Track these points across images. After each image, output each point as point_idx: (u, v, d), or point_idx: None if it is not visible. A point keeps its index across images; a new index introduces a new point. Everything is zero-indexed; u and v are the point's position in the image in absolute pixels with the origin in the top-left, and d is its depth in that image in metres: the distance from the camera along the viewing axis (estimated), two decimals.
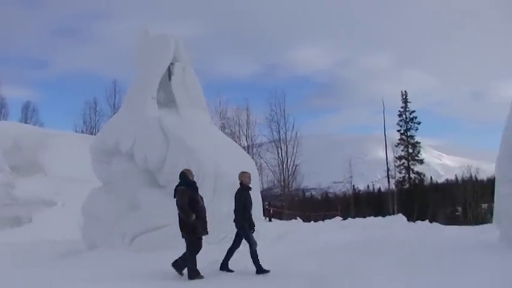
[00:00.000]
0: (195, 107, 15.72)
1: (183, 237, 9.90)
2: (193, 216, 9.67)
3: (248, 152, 35.37)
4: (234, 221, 10.76)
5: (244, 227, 10.46)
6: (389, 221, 23.79)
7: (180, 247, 10.05)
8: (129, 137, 14.50)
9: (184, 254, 9.87)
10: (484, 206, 51.70)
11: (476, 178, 61.96)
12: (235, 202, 10.73)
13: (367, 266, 10.56)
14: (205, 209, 10.23)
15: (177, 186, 10.13)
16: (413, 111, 56.25)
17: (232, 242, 10.76)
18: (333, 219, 26.80)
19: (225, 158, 14.40)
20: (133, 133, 14.50)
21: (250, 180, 10.97)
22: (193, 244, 9.75)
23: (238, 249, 10.71)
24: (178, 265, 9.88)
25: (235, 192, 10.83)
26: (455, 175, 74.20)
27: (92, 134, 45.23)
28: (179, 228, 9.91)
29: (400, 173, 54.74)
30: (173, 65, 15.74)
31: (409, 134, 55.46)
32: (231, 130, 41.23)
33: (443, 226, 27.45)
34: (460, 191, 57.64)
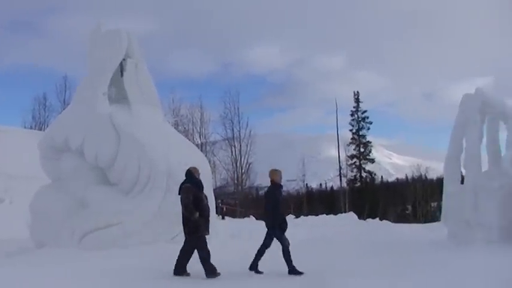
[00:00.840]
0: (148, 104, 15.49)
1: (185, 235, 9.78)
2: (197, 214, 9.54)
3: (201, 150, 35.16)
4: (265, 219, 10.60)
5: (275, 227, 10.20)
6: (341, 219, 24.13)
7: (130, 246, 9.89)
8: (79, 134, 14.17)
9: (200, 258, 9.62)
10: (433, 204, 53.00)
11: (425, 177, 63.42)
12: (266, 201, 10.56)
13: (319, 264, 10.65)
14: (209, 208, 10.04)
15: (182, 183, 10.03)
16: (365, 111, 57.44)
17: (262, 241, 10.47)
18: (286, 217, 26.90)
19: (177, 156, 14.25)
20: (83, 129, 14.18)
21: (281, 178, 10.72)
22: (200, 242, 9.61)
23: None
24: (208, 271, 9.55)
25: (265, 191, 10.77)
26: (406, 174, 75.71)
27: (41, 130, 44.15)
28: (182, 226, 9.82)
29: (352, 171, 55.68)
30: (126, 61, 15.44)
31: (360, 133, 56.55)
32: (184, 128, 40.93)
33: (393, 224, 28.02)
34: (410, 189, 58.92)
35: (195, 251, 9.79)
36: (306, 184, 78.56)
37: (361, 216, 36.64)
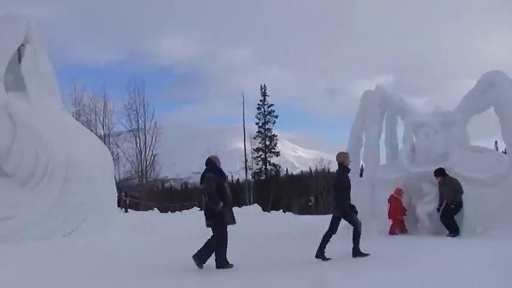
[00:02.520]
0: (47, 92, 14.82)
1: (208, 226, 9.11)
2: (221, 204, 8.91)
3: (105, 141, 34.18)
4: (335, 204, 10.11)
5: (346, 211, 9.83)
6: (246, 211, 24.32)
7: (24, 240, 9.38)
8: None
9: (207, 245, 8.99)
10: None
11: (328, 170, 65.21)
12: (336, 184, 10.05)
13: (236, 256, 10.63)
14: (231, 197, 9.43)
15: (204, 173, 9.39)
16: (272, 105, 58.17)
17: (328, 227, 9.91)
18: (190, 210, 26.82)
19: (77, 147, 13.75)
20: None
21: (349, 161, 10.37)
22: (222, 233, 9.00)
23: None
24: (200, 257, 8.90)
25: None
26: (310, 167, 77.55)
27: None
28: (205, 217, 9.16)
29: (257, 164, 56.27)
30: (24, 47, 14.70)
31: (266, 126, 57.26)
32: (86, 118, 39.46)
33: (296, 215, 28.65)
34: (313, 182, 60.41)
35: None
36: None
37: (266, 208, 37.17)
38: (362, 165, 15.90)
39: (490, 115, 13.73)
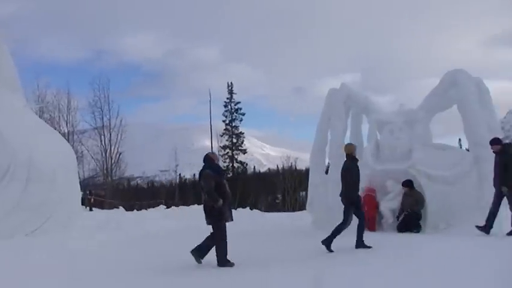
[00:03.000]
0: (8, 89, 14.48)
1: (209, 224, 8.96)
2: (221, 202, 8.78)
3: (69, 139, 33.68)
4: (344, 194, 10.25)
5: (355, 202, 10.11)
6: None
7: None
8: None
9: (207, 240, 8.92)
10: (302, 193, 55.00)
11: (295, 168, 65.53)
12: (346, 174, 10.19)
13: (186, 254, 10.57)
14: (230, 194, 9.23)
15: (202, 170, 9.18)
16: (239, 103, 58.08)
17: (343, 219, 10.10)
18: (156, 208, 26.63)
19: (40, 145, 13.47)
20: None
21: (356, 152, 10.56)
22: (222, 230, 8.88)
23: None
24: (199, 252, 8.86)
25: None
26: (277, 165, 77.70)
27: None
28: (205, 215, 8.98)
29: (224, 162, 56.08)
30: None
31: (233, 124, 57.10)
32: (50, 115, 38.73)
33: (263, 213, 28.68)
34: (280, 179, 60.62)
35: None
36: (180, 174, 78.23)
37: (233, 205, 37.08)
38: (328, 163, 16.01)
39: (454, 113, 13.98)
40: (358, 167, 10.41)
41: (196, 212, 22.35)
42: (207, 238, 9.03)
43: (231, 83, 58.53)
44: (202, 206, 9.13)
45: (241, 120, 57.88)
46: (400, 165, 13.39)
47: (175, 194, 55.53)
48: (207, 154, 9.56)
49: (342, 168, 10.52)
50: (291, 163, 65.67)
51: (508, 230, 10.73)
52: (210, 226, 8.91)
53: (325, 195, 14.18)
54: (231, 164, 56.36)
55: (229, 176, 55.60)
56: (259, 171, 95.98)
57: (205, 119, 49.35)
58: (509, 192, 10.89)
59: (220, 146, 55.54)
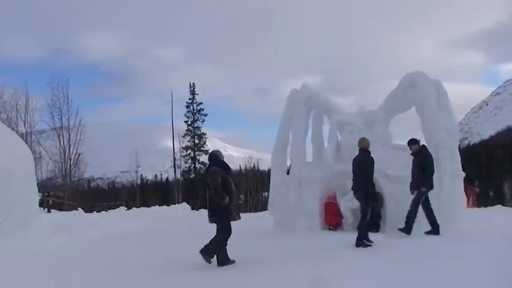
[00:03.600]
0: None
1: (213, 221, 8.92)
2: (227, 199, 8.76)
3: (26, 140, 32.95)
4: (359, 187, 10.66)
5: (372, 195, 10.67)
6: (174, 210, 24.10)
7: None
8: None
9: (213, 239, 8.82)
10: (265, 194, 55.21)
11: (258, 168, 65.75)
12: (362, 166, 10.60)
13: (147, 253, 10.46)
14: (236, 192, 9.32)
15: (209, 167, 9.28)
16: (201, 103, 57.89)
17: (362, 215, 10.54)
18: (117, 209, 26.31)
19: None
20: None
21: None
22: (226, 228, 8.86)
23: None
24: (207, 252, 8.72)
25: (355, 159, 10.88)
26: (240, 165, 77.77)
27: None
28: (210, 212, 8.96)
29: (186, 163, 55.86)
30: None
31: (196, 125, 56.87)
32: (7, 115, 37.86)
33: None
34: (243, 180, 60.65)
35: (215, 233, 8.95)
36: (141, 175, 77.51)
37: (195, 206, 36.96)
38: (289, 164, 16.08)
39: (414, 114, 14.21)
40: (373, 159, 10.78)
41: (158, 213, 22.26)
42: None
43: (193, 83, 58.39)
44: (208, 203, 9.21)
45: (203, 121, 57.77)
46: None
47: (136, 195, 54.98)
48: (212, 152, 9.63)
49: (355, 162, 10.92)
50: (254, 164, 65.90)
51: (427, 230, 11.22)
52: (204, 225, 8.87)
53: (286, 196, 14.24)
54: (193, 165, 56.09)
55: (191, 177, 55.40)
56: None
57: (167, 120, 49.09)
58: (426, 191, 11.39)
59: (182, 147, 55.28)
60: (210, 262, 8.68)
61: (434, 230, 11.37)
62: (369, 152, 10.91)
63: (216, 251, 8.79)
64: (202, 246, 8.69)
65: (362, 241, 10.18)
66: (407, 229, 11.15)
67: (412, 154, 11.79)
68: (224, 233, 8.84)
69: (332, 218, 13.70)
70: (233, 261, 8.77)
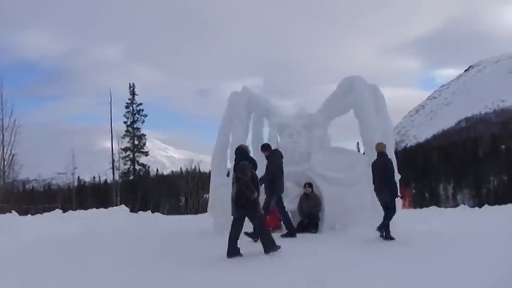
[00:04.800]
0: None
1: (240, 215, 9.30)
2: (256, 194, 9.12)
3: None
4: (384, 189, 11.25)
5: (397, 195, 11.40)
6: (112, 213, 23.68)
7: None
8: None
9: (258, 232, 9.59)
10: (206, 196, 55.00)
11: (199, 170, 65.42)
12: (383, 169, 11.24)
13: (83, 258, 10.27)
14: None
15: (238, 161, 9.49)
16: (141, 104, 56.98)
17: (386, 211, 11.16)
18: (52, 212, 25.61)
19: None
20: None
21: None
22: (261, 220, 9.45)
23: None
24: (268, 245, 9.19)
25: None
26: (180, 167, 77.33)
27: None
28: (236, 206, 9.25)
29: (125, 164, 54.90)
30: None
31: (135, 126, 55.94)
32: None
33: (165, 216, 28.43)
34: (184, 182, 60.20)
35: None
36: (78, 177, 75.72)
37: (134, 209, 36.46)
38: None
39: (353, 117, 14.54)
40: (391, 160, 11.66)
41: (95, 216, 21.80)
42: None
43: (133, 83, 57.38)
44: (233, 197, 9.33)
45: (143, 122, 56.84)
46: (299, 167, 13.72)
47: (72, 197, 53.64)
48: (240, 146, 10.07)
49: (375, 165, 11.57)
50: (195, 165, 65.53)
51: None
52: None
53: (226, 198, 14.22)
54: (132, 167, 55.19)
55: (130, 178, 54.56)
56: (162, 174, 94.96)
57: (106, 120, 48.17)
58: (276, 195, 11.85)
59: (121, 148, 54.24)
60: (279, 247, 9.15)
61: (290, 233, 11.76)
62: (387, 155, 11.67)
63: (264, 238, 9.29)
64: (264, 250, 9.13)
65: (388, 232, 10.95)
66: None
67: (266, 158, 12.16)
68: (261, 224, 9.40)
69: (271, 221, 13.77)
70: (279, 247, 9.17)
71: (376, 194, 11.61)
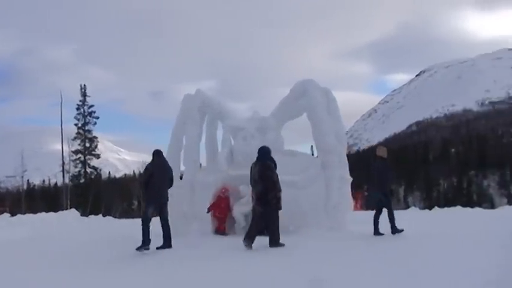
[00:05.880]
0: None
1: (264, 211, 10.45)
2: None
3: None
4: (377, 189, 12.46)
5: (387, 194, 12.47)
6: (62, 216, 23.19)
7: None
8: None
9: (270, 230, 10.54)
10: None
11: None
12: (381, 173, 12.34)
13: (26, 264, 10.01)
14: None
15: (263, 161, 10.72)
16: (92, 106, 56.02)
17: (388, 208, 12.20)
18: (0, 216, 24.93)
19: None
20: None
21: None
22: (277, 217, 10.51)
23: None
24: (275, 242, 10.41)
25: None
26: (133, 170, 76.39)
27: None
28: (261, 203, 10.45)
29: (76, 167, 53.85)
30: None
31: (86, 128, 54.95)
32: None
33: (117, 219, 28.00)
34: (136, 185, 59.48)
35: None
36: (28, 180, 73.91)
37: (85, 212, 35.80)
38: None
39: (305, 121, 14.65)
40: (388, 164, 12.90)
41: (45, 220, 21.26)
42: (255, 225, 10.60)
43: (85, 85, 56.37)
44: (256, 194, 10.54)
45: (95, 124, 55.87)
46: None
47: (22, 201, 52.25)
48: (265, 147, 11.21)
49: (377, 167, 12.53)
50: None
51: None
52: None
53: (178, 201, 14.13)
54: (83, 170, 54.18)
55: (81, 182, 53.60)
56: (115, 177, 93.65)
57: (56, 122, 47.19)
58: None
59: (71, 151, 53.15)
60: (283, 245, 10.33)
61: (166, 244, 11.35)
62: (386, 159, 12.74)
63: (275, 236, 10.43)
64: (270, 243, 10.37)
65: (396, 229, 12.01)
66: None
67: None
68: (275, 220, 10.46)
69: (220, 225, 13.72)
70: (283, 244, 10.34)
71: (372, 193, 13.07)
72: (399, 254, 9.36)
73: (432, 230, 13.58)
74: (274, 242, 10.34)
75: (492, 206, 60.18)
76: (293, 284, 6.90)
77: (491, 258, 8.28)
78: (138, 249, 10.56)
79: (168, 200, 11.68)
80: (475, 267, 7.55)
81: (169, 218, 11.43)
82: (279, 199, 10.41)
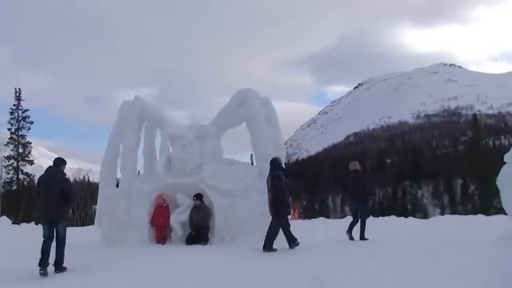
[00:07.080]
0: None
1: (275, 217, 11.32)
2: (290, 197, 11.54)
3: None
4: (354, 200, 13.86)
5: (363, 203, 14.03)
6: None
7: None
8: None
9: (268, 235, 11.18)
10: (94, 207, 53.04)
11: (88, 180, 63.26)
12: (357, 184, 13.63)
13: None
14: None
15: (274, 171, 11.53)
16: (27, 110, 54.20)
17: (360, 214, 13.50)
18: None
19: None
20: None
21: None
22: (286, 221, 11.38)
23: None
24: (269, 247, 11.05)
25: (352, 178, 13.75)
26: (68, 177, 74.32)
27: None
28: (274, 210, 11.36)
29: (8, 173, 52.01)
30: None
31: (20, 133, 53.17)
32: None
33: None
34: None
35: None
36: None
37: (17, 220, 34.64)
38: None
39: (244, 130, 14.70)
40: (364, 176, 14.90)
41: None
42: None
43: (19, 89, 54.42)
44: (269, 200, 11.46)
45: (29, 129, 54.08)
46: (191, 179, 13.67)
47: None
48: (275, 158, 12.03)
49: (351, 180, 13.74)
50: (83, 175, 63.31)
51: None
52: None
53: (114, 209, 13.87)
54: (15, 176, 52.35)
55: (13, 188, 51.82)
56: None
57: None
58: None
59: (4, 156, 51.33)
60: (299, 243, 11.26)
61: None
62: (360, 171, 14.24)
63: (271, 239, 11.17)
64: (264, 247, 11.05)
65: (364, 237, 13.15)
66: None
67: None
68: (281, 223, 11.27)
69: (160, 234, 13.57)
70: (275, 250, 11.03)
71: (350, 203, 14.92)
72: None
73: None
74: (292, 242, 11.26)
75: (425, 216, 62.06)
76: None
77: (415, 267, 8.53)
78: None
79: (62, 217, 10.16)
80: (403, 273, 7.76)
81: (102, 228, 11.20)
82: (288, 205, 11.44)
